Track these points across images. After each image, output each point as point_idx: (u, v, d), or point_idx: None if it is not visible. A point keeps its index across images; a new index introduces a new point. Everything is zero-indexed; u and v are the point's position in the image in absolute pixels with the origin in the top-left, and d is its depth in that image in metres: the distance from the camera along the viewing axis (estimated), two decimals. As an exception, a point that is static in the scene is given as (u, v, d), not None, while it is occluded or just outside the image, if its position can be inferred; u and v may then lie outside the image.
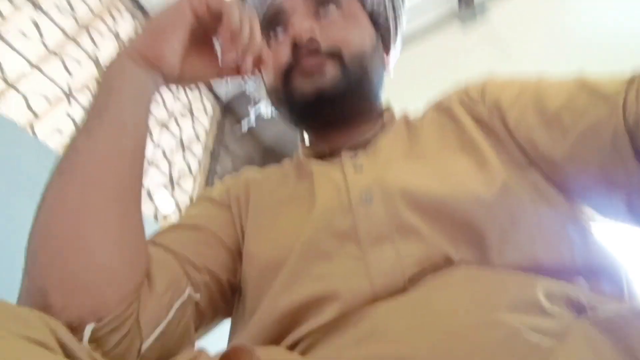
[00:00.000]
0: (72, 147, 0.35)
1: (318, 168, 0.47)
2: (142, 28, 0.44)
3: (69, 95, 1.13)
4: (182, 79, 0.43)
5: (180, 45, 0.40)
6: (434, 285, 0.32)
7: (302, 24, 0.48)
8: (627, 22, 1.98)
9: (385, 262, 0.34)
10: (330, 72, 0.48)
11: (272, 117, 0.81)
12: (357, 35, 0.52)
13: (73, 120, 1.11)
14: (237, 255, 0.47)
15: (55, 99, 1.16)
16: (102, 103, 0.37)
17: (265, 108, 0.81)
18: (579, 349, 0.25)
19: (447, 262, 0.34)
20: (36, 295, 0.30)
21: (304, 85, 0.49)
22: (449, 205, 0.36)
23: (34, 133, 1.06)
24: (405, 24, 0.63)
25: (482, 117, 0.43)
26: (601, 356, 0.25)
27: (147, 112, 0.40)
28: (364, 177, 0.42)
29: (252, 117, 0.79)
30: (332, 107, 0.49)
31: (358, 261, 0.35)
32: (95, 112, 0.37)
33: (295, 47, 0.48)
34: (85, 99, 1.28)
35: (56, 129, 1.07)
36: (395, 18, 0.58)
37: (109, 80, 0.39)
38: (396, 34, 0.60)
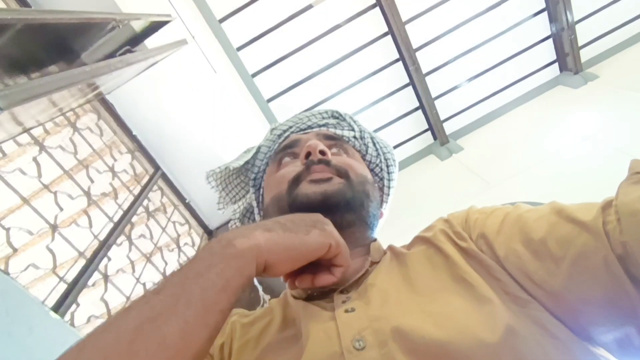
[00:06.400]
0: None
1: (306, 312, 0.43)
2: (280, 228, 0.40)
3: (54, 229, 1.12)
4: None
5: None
6: None
7: (316, 142, 0.53)
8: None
9: None
10: (337, 182, 0.50)
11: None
12: (360, 167, 0.56)
13: (52, 254, 1.07)
14: None
15: (39, 232, 1.14)
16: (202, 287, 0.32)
17: None
18: None
19: None
20: None
21: (310, 190, 0.49)
22: (449, 351, 0.32)
23: (6, 266, 1.01)
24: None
25: (469, 249, 0.42)
26: None
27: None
28: (356, 321, 0.38)
29: None
30: (334, 214, 0.47)
31: None
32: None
33: (308, 156, 0.51)
34: (71, 232, 1.27)
35: (32, 264, 1.03)
36: (390, 180, 0.63)
37: (221, 267, 0.33)
38: (388, 192, 0.64)
